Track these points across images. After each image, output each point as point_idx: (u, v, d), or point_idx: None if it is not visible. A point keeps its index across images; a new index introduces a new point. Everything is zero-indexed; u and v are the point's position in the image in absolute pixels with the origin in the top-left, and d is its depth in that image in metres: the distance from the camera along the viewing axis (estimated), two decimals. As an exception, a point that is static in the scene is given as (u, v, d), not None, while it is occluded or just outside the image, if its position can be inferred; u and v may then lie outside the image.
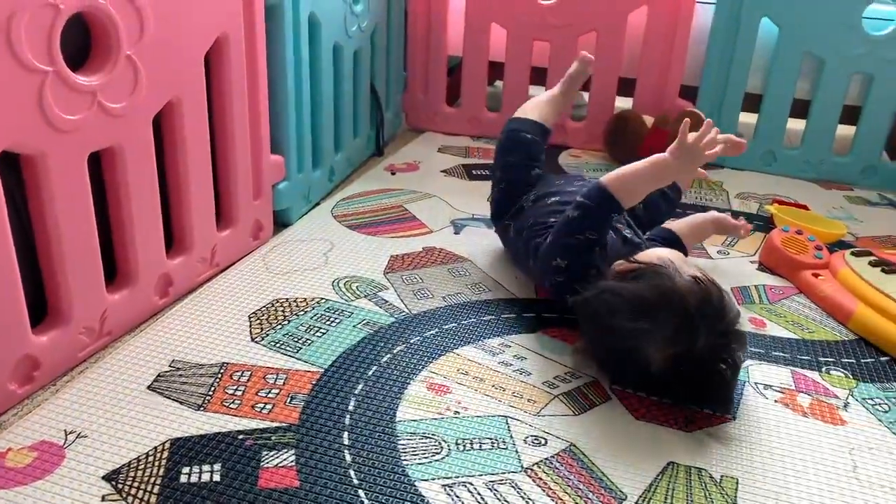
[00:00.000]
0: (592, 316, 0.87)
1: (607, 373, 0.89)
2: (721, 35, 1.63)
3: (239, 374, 0.85)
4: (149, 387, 0.82)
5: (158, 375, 0.84)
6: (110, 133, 0.82)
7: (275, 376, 0.85)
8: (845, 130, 1.67)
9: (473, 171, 1.59)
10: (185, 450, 0.73)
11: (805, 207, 1.46)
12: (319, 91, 1.28)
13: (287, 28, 1.13)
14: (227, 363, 0.87)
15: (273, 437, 0.76)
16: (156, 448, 0.73)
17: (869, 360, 0.97)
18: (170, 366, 0.86)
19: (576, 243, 0.93)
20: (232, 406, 0.80)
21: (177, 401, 0.80)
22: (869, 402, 0.88)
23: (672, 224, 1.18)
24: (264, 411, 0.79)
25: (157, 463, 0.71)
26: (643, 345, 0.81)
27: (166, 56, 0.87)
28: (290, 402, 0.81)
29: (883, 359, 0.97)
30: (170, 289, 0.98)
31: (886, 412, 0.86)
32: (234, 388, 0.83)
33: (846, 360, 0.96)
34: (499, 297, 1.06)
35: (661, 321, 0.79)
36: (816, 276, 1.14)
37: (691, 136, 0.93)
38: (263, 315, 0.97)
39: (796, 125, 1.69)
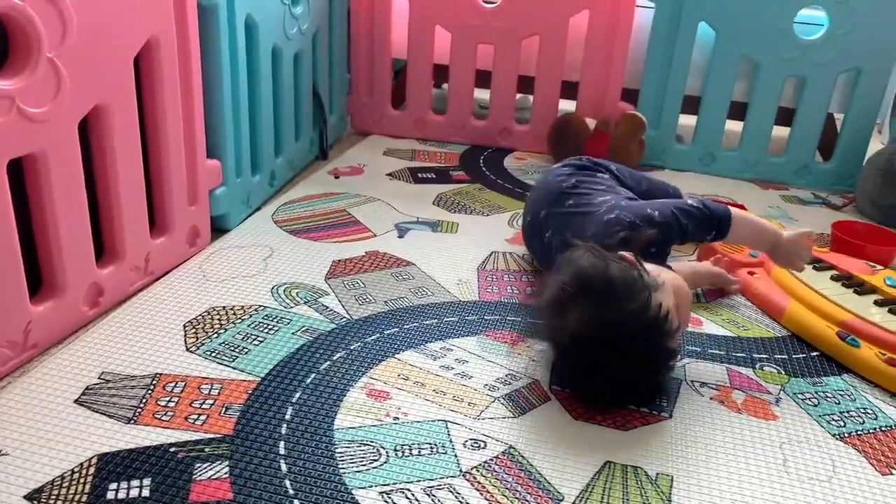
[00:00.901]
0: (565, 261, 0.87)
1: (538, 332, 0.90)
2: (660, 39, 1.66)
3: (172, 384, 0.83)
4: (76, 401, 0.79)
5: (86, 388, 0.81)
6: (32, 139, 0.79)
7: (209, 386, 0.83)
8: (780, 132, 1.72)
9: (419, 175, 1.58)
10: (112, 465, 0.71)
11: (743, 207, 1.49)
12: (258, 94, 1.26)
13: (222, 30, 1.11)
14: (161, 374, 0.85)
15: (206, 449, 0.74)
16: (81, 464, 0.70)
17: (800, 355, 1.00)
18: (99, 378, 0.83)
19: (673, 219, 0.97)
20: (164, 418, 0.78)
21: (105, 414, 0.77)
22: (800, 396, 0.90)
23: (674, 264, 1.10)
24: (198, 422, 0.77)
25: (82, 480, 0.69)
26: (572, 309, 0.81)
27: (92, 59, 0.85)
28: (224, 413, 0.79)
29: (814, 354, 1.00)
30: (100, 299, 0.94)
31: (816, 406, 0.89)
32: (167, 399, 0.81)
33: (779, 357, 0.99)
34: (442, 301, 1.06)
35: (605, 303, 0.80)
36: (752, 274, 1.17)
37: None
38: (199, 324, 0.95)
39: (734, 127, 1.73)
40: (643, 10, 1.69)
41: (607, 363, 0.80)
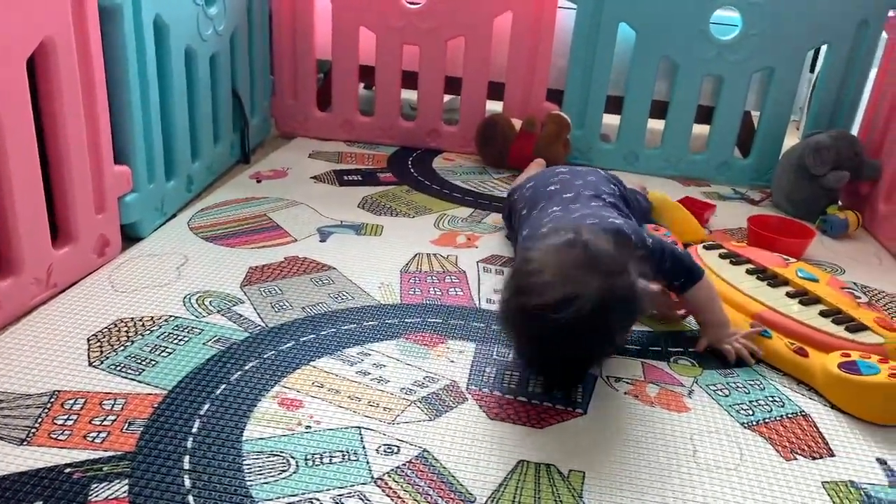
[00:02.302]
0: (560, 230, 0.90)
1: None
2: (582, 40, 1.68)
3: (71, 402, 0.79)
4: (-36, 423, 0.75)
5: (-24, 409, 0.77)
6: None
7: (112, 402, 0.80)
8: (700, 129, 1.77)
9: (345, 177, 1.56)
10: (1, 490, 0.67)
11: (712, 206, 1.50)
12: (171, 98, 1.22)
13: (128, 31, 1.07)
14: (59, 391, 0.81)
15: (105, 468, 0.71)
16: (-34, 490, 0.67)
17: (714, 347, 1.01)
18: (-9, 398, 0.79)
19: (659, 249, 0.98)
20: (61, 437, 0.74)
21: (-4, 436, 0.73)
22: (712, 388, 0.92)
23: None
24: (97, 440, 0.74)
25: (-34, 507, 0.65)
26: (540, 286, 0.81)
27: (-24, 61, 0.80)
28: (127, 429, 0.76)
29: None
30: (-5, 314, 0.90)
31: (727, 396, 0.91)
32: (65, 417, 0.77)
33: (693, 349, 1.01)
34: (362, 305, 1.04)
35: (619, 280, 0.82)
36: (670, 269, 1.19)
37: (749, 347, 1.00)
38: (104, 337, 0.91)
39: (656, 125, 1.77)
40: (565, 12, 1.71)
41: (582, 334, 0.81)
